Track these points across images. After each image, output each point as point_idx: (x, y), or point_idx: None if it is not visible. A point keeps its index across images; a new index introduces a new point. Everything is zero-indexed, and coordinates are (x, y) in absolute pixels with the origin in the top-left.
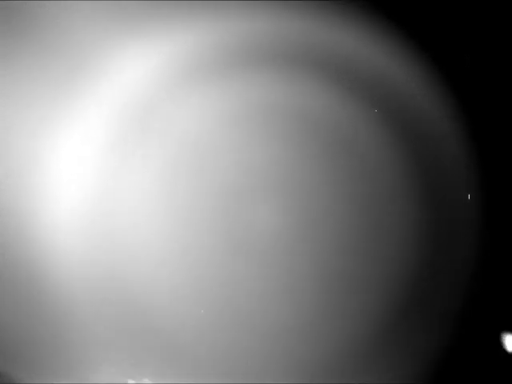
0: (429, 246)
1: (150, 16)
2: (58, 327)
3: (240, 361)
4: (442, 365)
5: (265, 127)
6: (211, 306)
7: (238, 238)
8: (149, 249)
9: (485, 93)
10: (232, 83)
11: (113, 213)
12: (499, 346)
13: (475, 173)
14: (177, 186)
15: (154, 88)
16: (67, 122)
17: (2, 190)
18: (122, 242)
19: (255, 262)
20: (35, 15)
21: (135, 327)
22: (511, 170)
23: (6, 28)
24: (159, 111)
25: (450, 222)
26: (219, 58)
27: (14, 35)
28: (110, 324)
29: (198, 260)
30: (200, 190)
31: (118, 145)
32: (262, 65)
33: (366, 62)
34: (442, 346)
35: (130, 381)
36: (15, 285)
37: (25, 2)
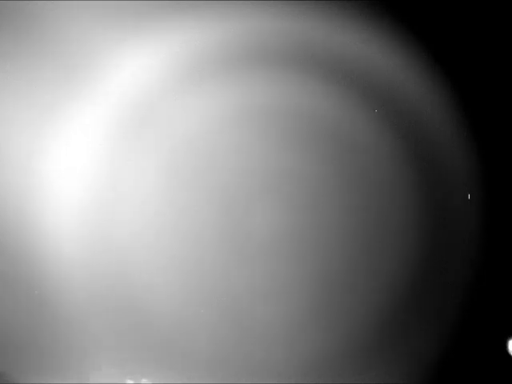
0: (429, 246)
1: (149, 15)
2: (57, 327)
3: (240, 361)
4: (442, 366)
5: (265, 128)
6: (211, 305)
7: (238, 238)
8: (149, 249)
9: (486, 94)
10: (232, 83)
11: (112, 213)
12: (500, 347)
13: (476, 173)
14: (176, 186)
15: (153, 88)
16: (66, 122)
17: (1, 190)
18: (122, 242)
19: (255, 262)
20: (33, 15)
21: (134, 327)
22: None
23: (4, 28)
24: (159, 111)
25: (450, 222)
26: (219, 58)
27: (11, 35)
28: (109, 324)
29: (198, 260)
30: (200, 191)
31: (117, 145)
32: (262, 65)
33: (368, 63)
34: (442, 348)
35: (129, 381)
36: (14, 285)
37: (23, 2)
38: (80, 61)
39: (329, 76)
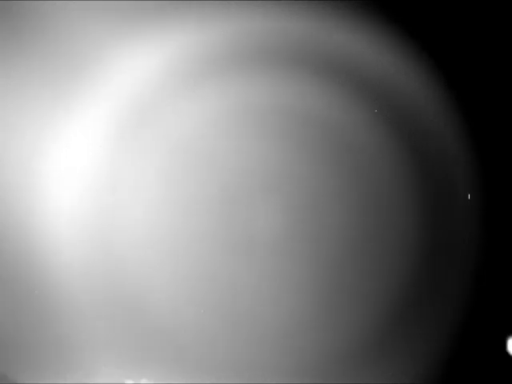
0: (429, 246)
1: (149, 16)
2: (56, 327)
3: (240, 361)
4: (443, 366)
5: (265, 128)
6: (211, 306)
7: (238, 238)
8: (148, 249)
9: (485, 94)
10: (232, 84)
11: (112, 213)
12: (500, 347)
13: (475, 173)
14: (177, 186)
15: (153, 89)
16: (65, 122)
17: (1, 191)
18: (122, 243)
19: (255, 262)
20: (34, 15)
21: (134, 327)
22: (511, 170)
23: (4, 28)
24: (158, 113)
25: (450, 222)
26: (218, 58)
27: (12, 35)
28: (109, 324)
29: (198, 260)
30: (199, 191)
31: (117, 146)
32: (263, 66)
33: (368, 62)
34: (443, 348)
35: (128, 381)
36: (14, 285)
37: (23, 2)
38: (79, 63)
39: (326, 75)
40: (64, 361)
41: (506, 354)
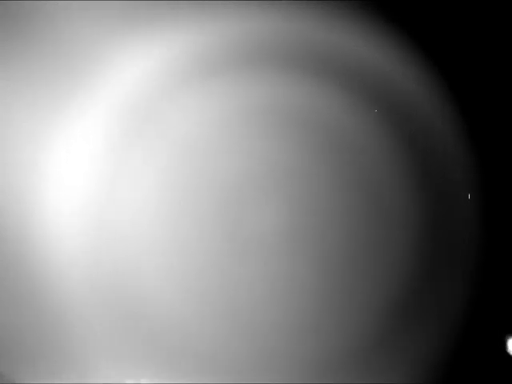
0: (429, 246)
1: (148, 17)
2: (56, 327)
3: (240, 360)
4: (443, 366)
5: (265, 128)
6: (212, 306)
7: (239, 239)
8: (149, 250)
9: (485, 94)
10: (232, 84)
11: (113, 213)
12: (500, 347)
13: (475, 173)
14: (177, 188)
15: (153, 89)
16: (66, 123)
17: (1, 192)
18: (122, 242)
19: (256, 263)
20: (33, 16)
21: (134, 327)
22: (511, 170)
23: (4, 29)
24: (158, 113)
25: (450, 222)
26: (219, 58)
27: (11, 36)
28: (109, 324)
29: (199, 261)
30: (200, 192)
31: (117, 147)
32: (262, 66)
33: (367, 63)
34: (443, 348)
35: (128, 381)
36: (14, 285)
37: (23, 2)
38: (81, 62)
39: (327, 76)
40: (64, 361)
41: (506, 354)
